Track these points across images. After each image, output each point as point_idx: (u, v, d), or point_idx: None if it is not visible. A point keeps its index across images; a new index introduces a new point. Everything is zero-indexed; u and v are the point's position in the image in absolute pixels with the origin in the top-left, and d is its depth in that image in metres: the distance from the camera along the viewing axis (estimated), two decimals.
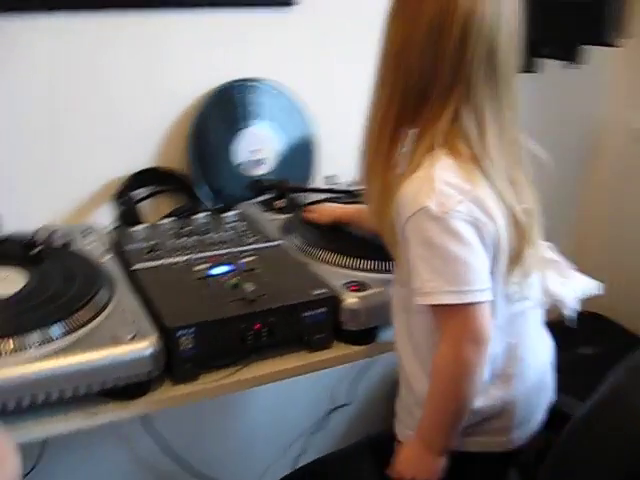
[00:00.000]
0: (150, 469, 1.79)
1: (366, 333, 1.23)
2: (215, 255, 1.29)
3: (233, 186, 1.58)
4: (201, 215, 1.44)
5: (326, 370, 1.25)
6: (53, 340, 1.04)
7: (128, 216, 1.46)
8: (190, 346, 1.09)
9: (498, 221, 0.98)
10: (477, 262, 0.96)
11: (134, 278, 1.22)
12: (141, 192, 1.54)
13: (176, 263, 1.26)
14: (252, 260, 1.27)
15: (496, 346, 1.04)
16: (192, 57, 1.54)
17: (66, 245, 1.31)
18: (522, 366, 1.08)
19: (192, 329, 1.09)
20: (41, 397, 1.00)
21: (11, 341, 1.02)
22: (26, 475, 1.61)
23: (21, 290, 1.14)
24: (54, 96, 1.44)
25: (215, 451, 1.83)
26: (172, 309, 1.12)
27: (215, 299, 1.15)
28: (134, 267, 1.25)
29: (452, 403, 1.01)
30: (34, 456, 1.56)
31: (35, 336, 1.03)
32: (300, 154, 1.67)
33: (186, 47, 1.53)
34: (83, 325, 1.08)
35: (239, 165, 1.59)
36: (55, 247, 1.28)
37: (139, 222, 1.43)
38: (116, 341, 1.04)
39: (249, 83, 1.59)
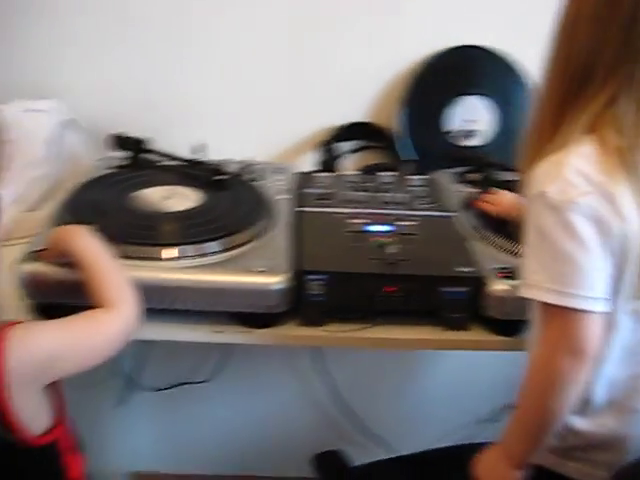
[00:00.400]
0: (319, 412, 1.87)
1: (509, 324, 1.14)
2: (381, 213, 1.29)
3: (438, 152, 1.55)
4: (389, 173, 1.44)
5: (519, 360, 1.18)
6: (203, 256, 1.14)
7: (327, 165, 1.52)
8: (319, 292, 1.12)
9: (632, 224, 0.84)
10: (591, 265, 0.85)
11: (296, 219, 1.28)
12: (348, 144, 1.59)
13: (340, 213, 1.29)
14: (413, 225, 1.25)
15: (618, 370, 0.91)
16: (422, 18, 1.53)
17: (253, 179, 1.40)
18: None
19: (323, 276, 1.11)
20: (178, 304, 1.11)
21: (168, 249, 1.14)
22: (199, 383, 1.81)
23: (193, 208, 1.25)
24: (291, 38, 1.53)
25: (384, 410, 1.86)
26: (313, 254, 1.16)
27: (358, 253, 1.16)
28: (300, 209, 1.31)
29: (536, 414, 0.91)
30: (208, 372, 1.74)
31: (190, 249, 1.14)
32: (517, 132, 1.57)
33: (418, 7, 1.52)
34: (230, 249, 1.16)
35: (449, 133, 1.56)
36: (240, 179, 1.38)
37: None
38: (248, 270, 1.11)
39: (475, 50, 1.54)
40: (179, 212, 1.24)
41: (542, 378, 0.90)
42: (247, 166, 1.44)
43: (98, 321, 0.98)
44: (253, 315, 1.13)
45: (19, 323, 0.91)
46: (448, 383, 1.84)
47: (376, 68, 1.55)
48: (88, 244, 1.05)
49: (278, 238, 1.21)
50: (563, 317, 0.86)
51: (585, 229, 0.84)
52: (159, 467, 2.01)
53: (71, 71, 1.53)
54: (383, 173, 1.44)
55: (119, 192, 1.28)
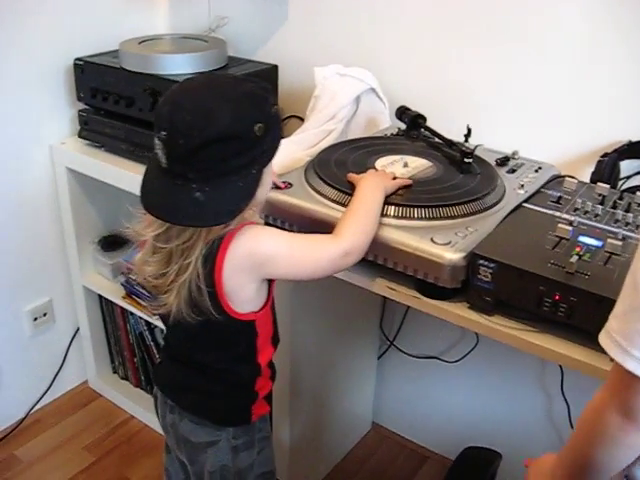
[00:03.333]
0: (554, 429, 1.80)
1: None
2: (602, 229, 1.21)
3: None
4: None
5: None
6: (413, 219, 1.23)
7: (600, 178, 1.44)
8: (487, 279, 1.13)
9: None
10: None
11: (515, 211, 1.28)
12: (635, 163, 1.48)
13: (559, 218, 1.25)
14: (626, 247, 1.14)
15: None
16: None
17: (510, 171, 1.43)
18: None
19: (492, 264, 1.12)
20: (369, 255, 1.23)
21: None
22: (448, 362, 1.88)
23: (421, 178, 1.35)
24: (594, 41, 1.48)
25: None
26: (498, 243, 1.17)
27: (542, 255, 1.13)
28: (524, 204, 1.30)
29: (577, 458, 0.86)
30: (458, 355, 1.82)
31: (405, 211, 1.24)
32: None
33: None
34: (438, 219, 1.23)
35: None
36: (488, 166, 1.41)
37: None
38: (433, 241, 1.18)
39: None
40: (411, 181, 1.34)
41: (588, 426, 0.84)
42: (507, 158, 1.47)
43: (319, 243, 1.16)
44: (424, 283, 1.19)
45: (256, 224, 1.15)
46: None
47: None
48: (366, 187, 1.23)
49: (485, 223, 1.24)
50: (622, 376, 0.78)
51: None
52: (395, 426, 2.16)
53: (384, 47, 1.72)
54: None
55: (365, 154, 1.43)
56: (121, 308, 2.12)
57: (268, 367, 1.28)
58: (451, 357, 1.89)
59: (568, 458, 0.89)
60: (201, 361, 1.24)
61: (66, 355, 2.28)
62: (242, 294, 1.13)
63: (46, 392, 2.26)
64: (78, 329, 2.26)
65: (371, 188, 1.23)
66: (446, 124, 1.55)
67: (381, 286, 1.26)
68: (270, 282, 1.19)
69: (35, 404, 2.24)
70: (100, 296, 2.18)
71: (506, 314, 1.16)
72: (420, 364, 1.98)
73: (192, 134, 1.00)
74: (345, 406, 2.03)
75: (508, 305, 1.15)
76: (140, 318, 2.09)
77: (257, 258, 1.10)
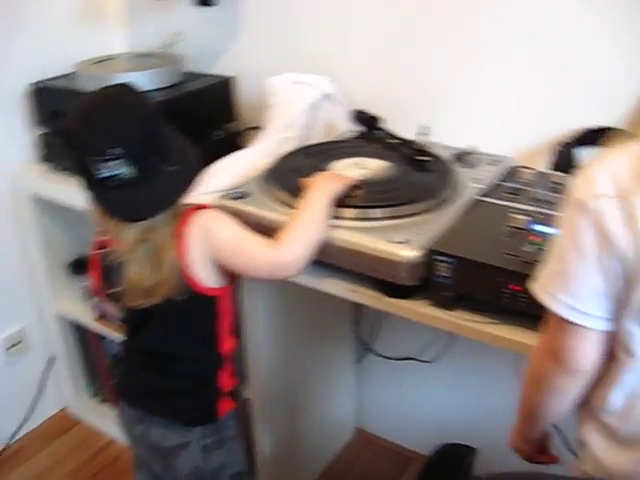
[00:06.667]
0: None
1: None
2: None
3: None
4: None
5: None
6: (367, 220, 1.24)
7: (560, 168, 1.45)
8: (446, 275, 1.14)
9: None
10: (582, 275, 0.78)
11: (471, 206, 1.29)
12: (592, 150, 1.48)
13: (515, 209, 1.25)
14: None
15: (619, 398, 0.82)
16: None
17: (467, 165, 1.43)
18: None
19: (450, 259, 1.12)
20: (328, 258, 1.23)
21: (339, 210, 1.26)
22: (424, 361, 1.87)
23: (377, 179, 1.35)
24: (547, 28, 1.48)
25: None
26: (454, 238, 1.17)
27: (498, 246, 1.13)
28: (480, 198, 1.31)
29: (524, 401, 0.97)
30: (434, 354, 1.83)
31: (357, 212, 1.25)
32: None
33: None
34: (393, 218, 1.23)
35: None
36: (442, 162, 1.41)
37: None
38: (389, 240, 1.17)
39: None
40: (360, 180, 1.34)
41: (529, 371, 0.92)
42: (465, 154, 1.47)
43: (260, 246, 1.21)
44: (385, 283, 1.19)
45: (209, 208, 1.24)
46: None
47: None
48: (314, 193, 1.23)
49: (441, 219, 1.24)
50: (553, 320, 0.83)
51: (585, 234, 0.77)
52: (377, 430, 2.15)
53: (342, 53, 1.73)
54: None
55: (320, 159, 1.43)
56: (95, 331, 2.10)
57: (230, 362, 1.33)
58: (427, 357, 1.89)
59: (520, 409, 0.99)
60: (163, 351, 1.29)
61: (43, 382, 2.25)
62: (202, 269, 1.21)
63: (25, 421, 2.23)
64: (54, 355, 2.24)
65: (316, 194, 1.24)
66: (408, 124, 1.54)
67: (341, 288, 1.26)
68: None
69: (15, 433, 2.21)
70: (73, 320, 2.16)
71: (468, 308, 1.16)
72: (398, 366, 1.97)
73: (135, 125, 1.11)
74: (325, 412, 2.02)
75: (469, 299, 1.15)
76: (113, 341, 2.07)
77: (210, 236, 1.19)
